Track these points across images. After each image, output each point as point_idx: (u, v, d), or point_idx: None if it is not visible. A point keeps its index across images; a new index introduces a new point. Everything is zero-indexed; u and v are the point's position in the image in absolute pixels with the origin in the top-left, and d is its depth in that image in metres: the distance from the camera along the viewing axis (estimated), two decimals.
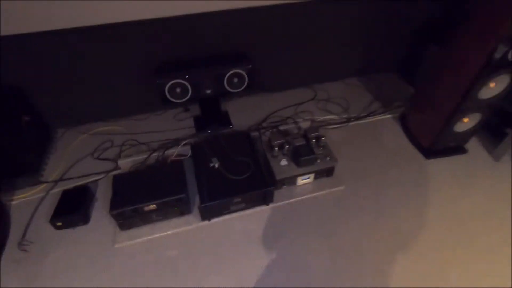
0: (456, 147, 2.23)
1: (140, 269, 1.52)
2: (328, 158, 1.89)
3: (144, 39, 1.95)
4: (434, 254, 1.65)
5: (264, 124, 2.32)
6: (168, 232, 1.66)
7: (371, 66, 2.88)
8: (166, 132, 2.26)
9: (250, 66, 1.98)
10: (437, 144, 2.11)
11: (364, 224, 1.78)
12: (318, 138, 1.93)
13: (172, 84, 1.85)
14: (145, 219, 1.63)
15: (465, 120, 1.96)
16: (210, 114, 2.32)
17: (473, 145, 2.26)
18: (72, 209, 1.63)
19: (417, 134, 2.28)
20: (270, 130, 2.21)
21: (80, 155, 2.07)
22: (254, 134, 2.12)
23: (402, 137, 2.35)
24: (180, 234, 1.68)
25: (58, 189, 1.84)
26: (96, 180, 1.90)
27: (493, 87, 1.77)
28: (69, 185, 1.86)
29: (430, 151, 2.20)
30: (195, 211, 1.75)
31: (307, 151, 1.83)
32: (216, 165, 1.78)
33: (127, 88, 2.19)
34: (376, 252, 1.66)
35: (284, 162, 1.86)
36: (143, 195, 1.57)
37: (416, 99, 2.33)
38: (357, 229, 1.76)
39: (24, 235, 1.64)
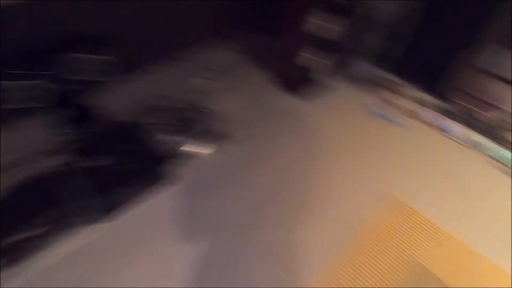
0: (308, 80, 2.42)
1: None
2: (216, 123, 1.88)
3: None
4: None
5: (142, 107, 2.05)
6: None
7: (231, 26, 2.76)
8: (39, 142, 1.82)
9: (116, 47, 1.64)
10: (294, 81, 2.33)
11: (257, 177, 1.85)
12: (200, 104, 1.89)
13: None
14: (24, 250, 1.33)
15: (308, 55, 2.15)
16: (80, 114, 1.92)
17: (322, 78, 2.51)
18: None
19: (281, 77, 2.43)
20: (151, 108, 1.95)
21: None
22: (133, 120, 1.84)
23: (269, 83, 2.46)
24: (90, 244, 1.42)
25: None
26: None
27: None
28: None
29: (293, 88, 2.39)
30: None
31: (193, 118, 1.80)
32: (102, 162, 1.50)
33: None
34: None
35: (173, 137, 1.75)
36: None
37: (274, 48, 2.39)
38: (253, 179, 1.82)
39: None
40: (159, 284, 1.37)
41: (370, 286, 1.46)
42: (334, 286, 1.44)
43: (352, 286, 1.45)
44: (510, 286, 1.49)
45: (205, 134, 1.81)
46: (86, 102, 1.95)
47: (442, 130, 2.22)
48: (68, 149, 1.59)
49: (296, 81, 2.33)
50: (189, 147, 1.76)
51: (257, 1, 2.63)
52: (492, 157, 2.09)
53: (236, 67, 2.51)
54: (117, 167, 1.54)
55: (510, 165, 2.03)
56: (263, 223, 1.64)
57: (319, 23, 1.95)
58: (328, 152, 2.01)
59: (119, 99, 2.11)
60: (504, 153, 2.06)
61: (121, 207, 1.55)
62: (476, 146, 2.14)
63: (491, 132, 2.15)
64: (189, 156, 1.78)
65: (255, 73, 2.51)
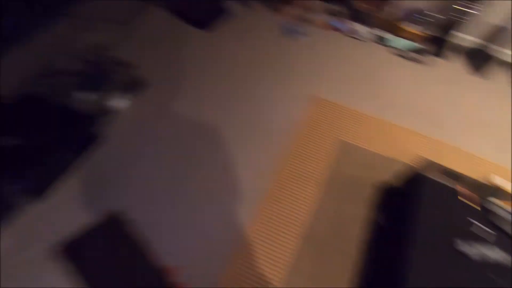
0: (217, 10, 2.42)
1: None
2: (131, 70, 1.84)
3: None
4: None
5: (38, 76, 1.88)
6: None
7: None
8: None
9: None
10: (201, 13, 2.31)
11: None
12: (101, 54, 1.83)
13: None
14: None
15: None
16: None
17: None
18: None
19: (184, 11, 2.35)
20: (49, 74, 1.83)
21: None
22: (33, 90, 1.71)
23: (174, 20, 2.38)
24: None
25: None
26: None
27: None
28: None
29: (201, 22, 2.34)
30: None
31: (99, 71, 1.72)
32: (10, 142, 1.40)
33: None
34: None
35: (85, 96, 1.65)
36: None
37: None
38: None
39: None
40: None
41: (309, 168, 1.70)
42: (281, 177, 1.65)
43: (292, 171, 1.68)
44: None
45: (118, 87, 1.75)
46: None
47: (349, 33, 2.44)
48: None
49: (203, 17, 2.31)
50: (106, 103, 1.71)
51: None
52: (393, 47, 2.38)
53: (134, 14, 2.36)
54: (32, 143, 1.44)
55: (406, 50, 2.35)
56: (198, 148, 1.74)
57: None
58: (247, 73, 2.12)
59: (18, 69, 1.92)
60: (402, 41, 2.36)
61: (52, 183, 1.50)
62: (379, 41, 2.41)
63: (389, 26, 2.43)
64: (109, 112, 1.73)
65: (157, 17, 2.39)
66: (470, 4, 2.09)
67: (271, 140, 1.81)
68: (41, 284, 1.26)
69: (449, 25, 2.23)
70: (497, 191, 1.30)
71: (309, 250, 1.45)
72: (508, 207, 1.27)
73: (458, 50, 2.40)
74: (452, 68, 2.30)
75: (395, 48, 2.37)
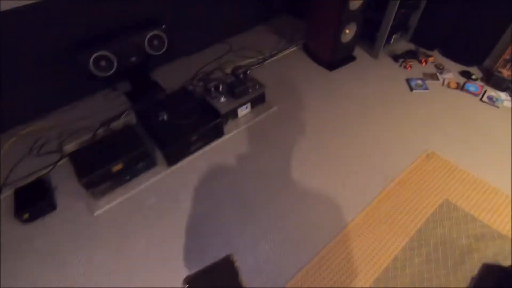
0: (347, 57, 2.73)
1: (125, 225, 1.69)
2: (257, 87, 2.19)
3: (45, 21, 1.88)
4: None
5: (195, 79, 2.51)
6: (141, 187, 1.85)
7: (268, 11, 3.24)
8: (101, 113, 2.24)
9: (165, 26, 2.14)
10: (333, 57, 2.59)
11: (299, 131, 2.15)
12: (245, 73, 2.21)
13: (95, 57, 1.89)
14: (115, 182, 1.79)
15: (347, 31, 2.44)
16: (141, 86, 2.42)
17: (358, 53, 2.82)
18: (33, 200, 1.67)
19: (318, 54, 2.71)
20: (203, 79, 2.42)
21: (16, 158, 2.00)
22: (189, 88, 2.30)
23: (308, 61, 2.78)
24: (152, 185, 1.86)
25: (7, 193, 1.80)
26: (47, 173, 1.91)
27: None
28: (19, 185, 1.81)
29: (331, 64, 2.66)
30: (160, 162, 1.91)
31: (239, 84, 2.11)
32: (165, 117, 1.92)
33: (45, 79, 2.10)
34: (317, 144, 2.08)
35: (222, 99, 2.11)
36: (107, 159, 1.73)
37: (309, 28, 2.73)
38: (296, 134, 2.13)
39: None
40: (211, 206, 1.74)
41: (404, 219, 1.64)
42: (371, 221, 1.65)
43: (388, 221, 1.65)
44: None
45: (249, 99, 2.14)
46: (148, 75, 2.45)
47: (483, 97, 2.27)
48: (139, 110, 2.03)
49: (334, 59, 2.59)
50: (236, 108, 2.11)
51: None
52: None
53: (277, 48, 2.88)
54: (179, 123, 1.92)
55: None
56: (303, 171, 1.91)
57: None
58: (364, 117, 2.21)
59: (181, 73, 2.59)
60: None
61: (185, 156, 1.95)
62: None
63: None
64: (235, 115, 2.15)
65: (290, 51, 2.86)
66: None
67: (374, 182, 1.83)
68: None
69: None
70: None
71: None
72: None
73: None
74: None
75: None
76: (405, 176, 1.84)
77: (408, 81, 2.45)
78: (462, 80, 2.44)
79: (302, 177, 1.85)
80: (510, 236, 1.55)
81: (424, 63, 2.61)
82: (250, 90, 2.11)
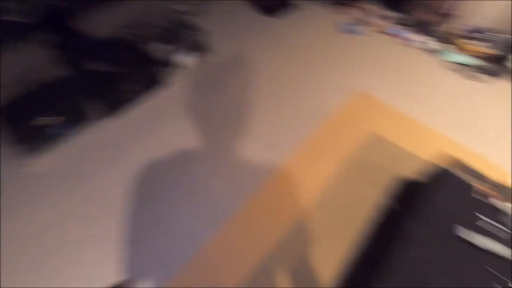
0: (285, 4, 2.66)
1: (63, 177, 1.62)
2: (196, 33, 2.14)
3: None
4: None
5: (128, 27, 2.25)
6: (76, 139, 1.74)
7: None
8: (27, 65, 1.95)
9: None
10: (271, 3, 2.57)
11: (238, 77, 2.18)
12: (182, 20, 2.15)
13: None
14: (45, 137, 1.66)
15: None
16: (68, 35, 2.06)
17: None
18: None
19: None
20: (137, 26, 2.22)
21: None
22: (123, 35, 2.10)
23: (249, 7, 2.69)
24: (89, 137, 1.77)
25: None
26: None
27: None
28: None
29: (269, 10, 2.61)
30: (96, 113, 1.81)
31: (176, 31, 2.07)
32: (96, 66, 1.78)
33: None
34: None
35: (159, 46, 2.03)
36: (35, 113, 1.58)
37: None
38: (235, 80, 2.15)
39: None
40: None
41: (336, 148, 1.84)
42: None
43: (320, 147, 1.83)
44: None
45: (190, 47, 2.08)
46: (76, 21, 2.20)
47: (404, 40, 2.51)
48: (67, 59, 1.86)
49: (272, 5, 2.58)
50: (176, 57, 2.05)
51: None
52: (447, 60, 2.39)
53: None
54: (115, 71, 1.81)
55: (458, 64, 2.34)
56: (240, 113, 1.98)
57: None
58: (300, 59, 2.31)
59: (113, 19, 2.35)
60: (457, 56, 2.36)
61: (123, 106, 1.87)
62: (434, 52, 2.44)
63: (447, 40, 2.45)
64: (177, 65, 2.08)
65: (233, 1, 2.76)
66: None
67: (309, 117, 1.97)
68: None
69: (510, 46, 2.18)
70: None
71: (319, 218, 1.58)
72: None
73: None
74: (503, 88, 2.24)
75: (450, 61, 2.37)
76: (338, 111, 2.02)
77: (341, 25, 2.57)
78: (387, 25, 2.63)
79: (239, 118, 1.93)
80: (420, 156, 1.84)
81: (354, 9, 2.73)
82: (188, 37, 2.04)
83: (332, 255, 1.47)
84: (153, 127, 1.84)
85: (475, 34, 2.33)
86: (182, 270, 1.37)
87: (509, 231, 1.23)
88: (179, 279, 1.35)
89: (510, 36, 2.24)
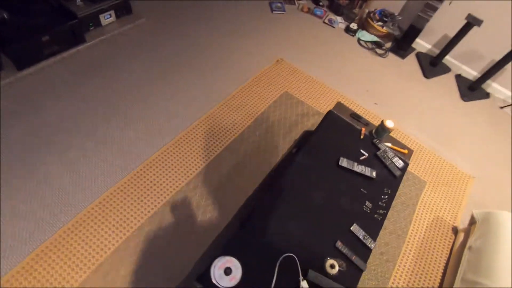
0: None
1: None
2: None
3: None
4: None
5: None
6: None
7: None
8: None
9: None
10: None
11: (162, 43, 2.27)
12: None
13: None
14: None
15: None
16: None
17: None
18: None
19: None
20: None
21: None
22: None
23: None
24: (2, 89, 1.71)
25: None
26: None
27: None
28: None
29: None
30: (8, 66, 1.76)
31: None
32: (6, 16, 1.73)
33: None
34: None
35: (79, 2, 2.02)
36: None
37: None
38: (159, 46, 2.23)
39: None
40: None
41: (250, 103, 2.01)
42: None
43: (236, 103, 1.99)
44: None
45: (110, 5, 2.11)
46: None
47: (326, 20, 2.79)
48: None
49: None
50: (96, 14, 2.07)
51: None
52: (359, 38, 2.71)
53: None
54: (26, 23, 1.78)
55: (367, 41, 2.68)
56: (157, 79, 2.08)
57: None
58: (231, 31, 2.45)
59: None
60: (367, 35, 2.69)
61: (34, 62, 1.85)
62: (349, 31, 2.74)
63: (361, 21, 2.78)
64: (98, 23, 2.11)
65: None
66: (430, 13, 2.43)
67: (232, 79, 2.13)
68: None
69: (411, 30, 2.55)
70: (387, 133, 1.59)
71: (228, 160, 1.73)
72: (389, 145, 1.56)
73: (415, 52, 2.73)
74: (404, 64, 2.62)
75: (361, 39, 2.70)
76: (259, 75, 2.21)
77: (270, 3, 2.77)
78: (312, 6, 2.90)
79: (155, 85, 2.02)
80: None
81: None
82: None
83: (239, 190, 1.63)
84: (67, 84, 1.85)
85: (384, 17, 2.68)
86: None
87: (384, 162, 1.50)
88: None
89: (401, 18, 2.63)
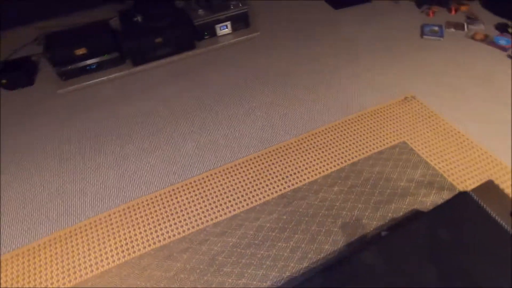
0: None
1: (82, 105, 1.81)
2: (240, 5, 2.06)
3: None
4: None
5: None
6: (103, 78, 1.93)
7: None
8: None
9: None
10: None
11: (282, 56, 2.01)
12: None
13: None
14: (81, 68, 1.90)
15: None
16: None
17: None
18: (14, 70, 1.91)
19: None
20: None
21: (23, 43, 2.24)
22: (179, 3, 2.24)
23: None
24: (114, 79, 1.94)
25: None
26: (36, 55, 2.13)
27: None
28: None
29: (338, 2, 2.37)
30: (128, 62, 1.96)
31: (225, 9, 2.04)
32: (139, 19, 1.95)
33: None
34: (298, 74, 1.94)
35: (200, 11, 2.05)
36: (73, 42, 1.84)
37: None
38: (271, 62, 1.98)
39: None
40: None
41: (348, 149, 1.45)
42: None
43: (331, 145, 1.49)
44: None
45: (228, 16, 2.06)
46: None
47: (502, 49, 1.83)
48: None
49: None
50: (213, 24, 2.06)
51: None
52: None
53: None
54: (150, 26, 1.94)
55: None
56: (273, 92, 1.82)
57: None
58: (357, 53, 1.96)
59: None
60: None
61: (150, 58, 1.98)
62: None
63: None
64: (213, 33, 2.09)
65: None
66: None
67: (336, 103, 1.68)
68: None
69: None
70: None
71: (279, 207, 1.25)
72: None
73: None
74: None
75: None
76: (374, 110, 1.61)
77: (422, 26, 2.07)
78: (493, 33, 1.98)
79: (254, 96, 1.76)
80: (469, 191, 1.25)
81: (453, 12, 2.17)
82: (231, 7, 2.01)
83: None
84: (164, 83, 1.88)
85: None
86: None
87: None
88: None
89: None
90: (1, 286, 1.13)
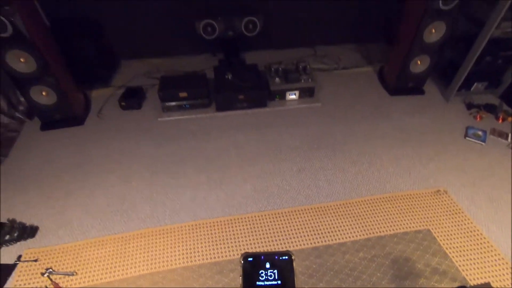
0: (415, 88, 2.73)
1: (173, 134, 2.35)
2: (310, 80, 2.55)
3: None
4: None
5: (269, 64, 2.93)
6: (192, 116, 2.47)
7: (365, 34, 3.39)
8: (198, 65, 3.05)
9: (262, 16, 2.67)
10: (398, 82, 2.66)
11: (337, 129, 2.43)
12: (305, 67, 2.60)
13: (205, 23, 2.62)
14: (179, 106, 2.47)
15: (418, 62, 2.49)
16: (230, 56, 3.01)
17: (431, 89, 2.78)
18: (130, 96, 2.57)
19: (386, 77, 2.84)
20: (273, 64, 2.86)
21: (137, 73, 2.94)
22: (261, 68, 2.79)
23: (376, 82, 2.92)
24: (200, 118, 2.47)
25: (122, 90, 2.66)
26: (147, 86, 2.78)
27: (434, 33, 2.31)
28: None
29: (394, 90, 2.72)
30: (213, 107, 2.49)
31: (294, 73, 2.56)
32: (229, 77, 2.49)
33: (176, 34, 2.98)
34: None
35: (277, 80, 2.58)
36: (178, 86, 2.42)
37: (390, 54, 2.81)
38: (325, 130, 2.41)
39: (100, 110, 2.58)
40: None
41: (377, 224, 1.73)
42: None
43: (362, 217, 1.78)
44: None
45: (298, 87, 2.53)
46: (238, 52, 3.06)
47: None
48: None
49: (398, 86, 2.66)
50: (284, 90, 2.53)
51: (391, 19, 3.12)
52: None
53: (353, 64, 3.10)
54: (236, 84, 2.47)
55: None
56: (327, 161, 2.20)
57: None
58: (402, 140, 2.26)
59: (263, 59, 3.12)
60: None
61: (230, 107, 2.50)
62: None
63: None
64: (283, 97, 2.56)
65: (364, 69, 3.05)
66: None
67: (384, 184, 1.97)
68: None
69: None
70: None
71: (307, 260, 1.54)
72: None
73: None
74: None
75: None
76: (406, 194, 1.87)
77: (467, 128, 2.32)
78: None
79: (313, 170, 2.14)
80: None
81: (500, 120, 2.39)
82: (302, 81, 2.49)
83: None
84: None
85: None
86: None
87: None
88: None
89: None
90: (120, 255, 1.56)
